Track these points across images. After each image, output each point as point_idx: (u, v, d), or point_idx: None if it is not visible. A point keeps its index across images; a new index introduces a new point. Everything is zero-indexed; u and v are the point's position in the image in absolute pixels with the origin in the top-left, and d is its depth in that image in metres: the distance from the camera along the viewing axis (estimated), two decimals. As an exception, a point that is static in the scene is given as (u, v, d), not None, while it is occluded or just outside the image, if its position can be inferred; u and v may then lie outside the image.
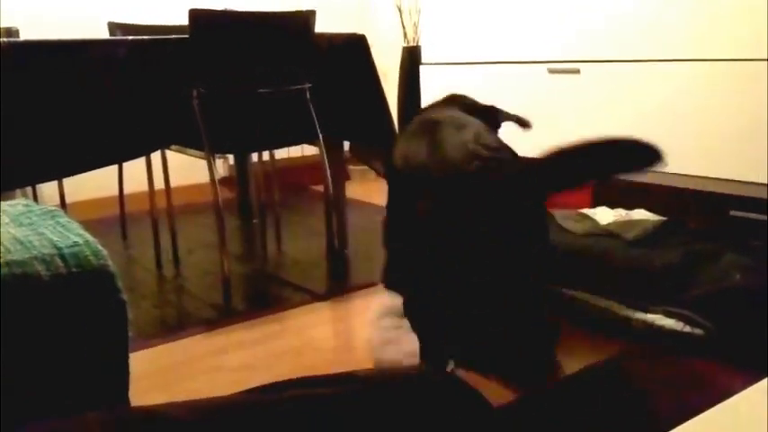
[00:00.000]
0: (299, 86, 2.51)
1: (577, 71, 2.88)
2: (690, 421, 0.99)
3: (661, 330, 1.79)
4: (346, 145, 2.91)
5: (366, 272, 2.53)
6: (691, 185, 2.48)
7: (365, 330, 2.04)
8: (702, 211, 2.37)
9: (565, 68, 2.92)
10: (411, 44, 3.92)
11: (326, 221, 2.78)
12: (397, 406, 0.85)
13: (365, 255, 2.75)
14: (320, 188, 2.79)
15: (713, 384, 1.57)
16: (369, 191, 3.82)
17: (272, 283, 2.51)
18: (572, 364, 1.71)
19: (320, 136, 2.53)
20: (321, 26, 2.56)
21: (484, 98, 3.28)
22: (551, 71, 2.97)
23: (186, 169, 3.12)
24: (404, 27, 3.96)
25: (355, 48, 2.67)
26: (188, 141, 2.42)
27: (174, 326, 2.11)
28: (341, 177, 2.81)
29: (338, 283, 2.47)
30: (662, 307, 1.80)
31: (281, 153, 3.55)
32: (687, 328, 1.75)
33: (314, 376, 0.92)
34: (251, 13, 2.40)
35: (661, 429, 1.27)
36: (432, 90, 3.54)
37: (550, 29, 2.96)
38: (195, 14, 2.26)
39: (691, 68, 2.53)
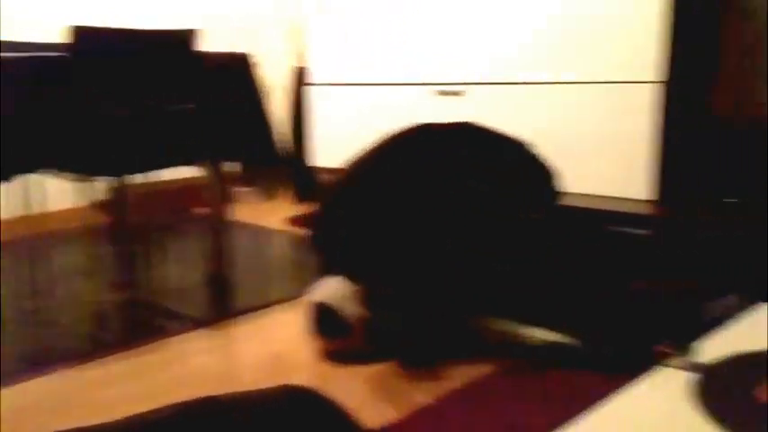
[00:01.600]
0: (182, 106, 2.41)
1: (462, 93, 2.93)
2: (567, 428, 0.99)
3: (536, 344, 1.81)
4: (231, 166, 2.82)
5: (251, 296, 2.45)
6: (570, 202, 2.55)
7: (250, 356, 1.97)
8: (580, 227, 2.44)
9: (451, 90, 2.96)
10: (299, 64, 3.89)
11: (210, 245, 2.68)
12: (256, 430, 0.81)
13: (250, 278, 2.66)
14: (204, 211, 2.69)
15: (587, 393, 1.60)
16: (255, 213, 3.73)
17: (150, 310, 2.39)
18: (452, 382, 1.71)
19: (204, 157, 2.44)
20: (209, 45, 2.49)
21: (372, 119, 3.30)
22: (439, 93, 3.01)
23: (62, 192, 2.94)
24: (291, 47, 3.93)
25: (239, 67, 2.60)
26: (63, 163, 2.28)
27: (42, 360, 1.96)
28: (225, 199, 2.72)
29: (220, 308, 2.37)
30: (536, 320, 1.83)
31: (161, 175, 3.42)
32: (562, 339, 1.78)
33: (172, 405, 0.86)
34: (132, 31, 2.30)
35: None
36: (321, 110, 3.52)
37: (438, 52, 3.01)
38: (76, 31, 2.14)
39: (572, 91, 2.62)
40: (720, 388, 1.05)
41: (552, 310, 1.85)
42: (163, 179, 3.68)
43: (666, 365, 1.14)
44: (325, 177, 3.45)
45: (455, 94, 2.94)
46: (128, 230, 3.25)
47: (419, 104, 3.07)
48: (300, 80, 3.76)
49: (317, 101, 3.52)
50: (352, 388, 1.75)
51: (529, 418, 1.53)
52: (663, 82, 2.41)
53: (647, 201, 2.43)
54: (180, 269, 2.83)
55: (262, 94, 2.65)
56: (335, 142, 3.43)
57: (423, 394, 1.67)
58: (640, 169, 2.44)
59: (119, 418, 0.86)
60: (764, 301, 1.44)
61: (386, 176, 1.97)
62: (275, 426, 0.82)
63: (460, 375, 1.76)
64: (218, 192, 2.59)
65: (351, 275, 1.96)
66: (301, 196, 3.95)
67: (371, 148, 2.07)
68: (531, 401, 1.61)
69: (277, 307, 2.34)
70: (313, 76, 3.52)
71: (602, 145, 2.53)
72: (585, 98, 2.57)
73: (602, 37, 2.54)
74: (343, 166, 2.06)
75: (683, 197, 2.50)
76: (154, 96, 2.36)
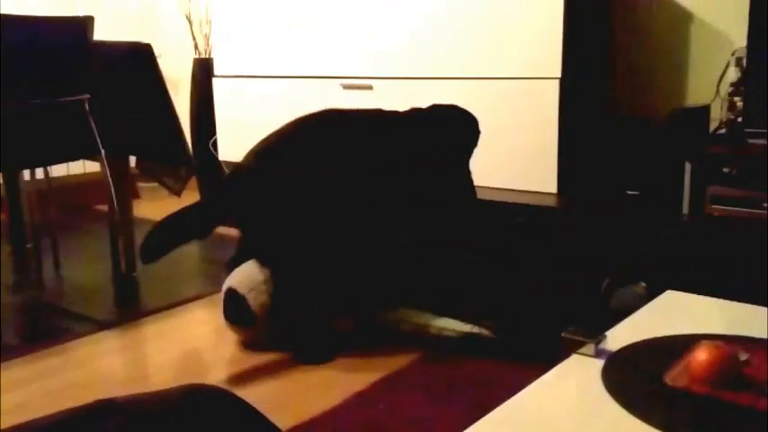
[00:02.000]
0: (77, 97, 2.31)
1: (370, 87, 2.94)
2: (482, 419, 1.02)
3: (453, 334, 1.85)
4: (134, 160, 2.73)
5: (158, 295, 2.38)
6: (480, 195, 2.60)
7: (160, 357, 1.91)
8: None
9: (358, 84, 2.96)
10: (203, 56, 3.79)
11: (111, 243, 2.58)
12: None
13: (156, 277, 2.58)
14: (105, 207, 2.58)
15: (502, 382, 1.65)
16: (160, 209, 3.62)
17: (50, 313, 2.28)
18: (369, 375, 1.73)
19: (102, 151, 2.34)
20: (106, 34, 2.39)
21: (278, 112, 3.26)
22: (345, 87, 3.01)
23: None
24: (194, 38, 3.82)
25: (140, 57, 2.51)
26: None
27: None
28: (128, 195, 2.62)
29: (127, 309, 2.29)
30: (452, 311, 1.87)
31: (58, 170, 3.26)
32: (476, 330, 1.83)
33: (66, 410, 0.82)
34: (20, 18, 2.17)
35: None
36: (225, 103, 3.45)
37: (345, 46, 3.00)
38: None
39: (479, 86, 2.68)
40: (630, 374, 1.10)
41: (464, 300, 1.89)
42: (64, 174, 3.51)
43: (577, 353, 1.18)
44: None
45: (364, 88, 2.95)
46: (25, 229, 3.08)
47: (327, 98, 3.05)
48: (204, 72, 3.67)
49: (222, 94, 3.45)
50: (267, 386, 1.73)
51: (442, 409, 1.56)
52: (559, 78, 2.50)
53: (556, 194, 2.52)
54: (84, 268, 2.71)
55: (165, 86, 2.57)
56: (241, 136, 3.37)
57: (336, 390, 1.67)
58: (548, 163, 2.53)
59: (17, 423, 0.82)
60: (670, 289, 1.52)
61: (289, 162, 1.94)
62: (176, 426, 0.80)
63: (375, 368, 1.78)
64: (121, 187, 2.50)
65: (260, 261, 1.94)
66: (206, 192, 3.85)
67: (281, 130, 2.05)
68: (444, 393, 1.64)
69: (188, 305, 2.29)
70: (218, 68, 3.44)
71: (511, 139, 2.59)
72: (494, 93, 2.63)
73: (508, 33, 2.61)
74: (253, 148, 2.02)
75: (584, 189, 2.60)
76: (47, 87, 2.25)
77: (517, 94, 2.57)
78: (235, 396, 0.90)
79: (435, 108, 2.17)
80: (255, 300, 1.89)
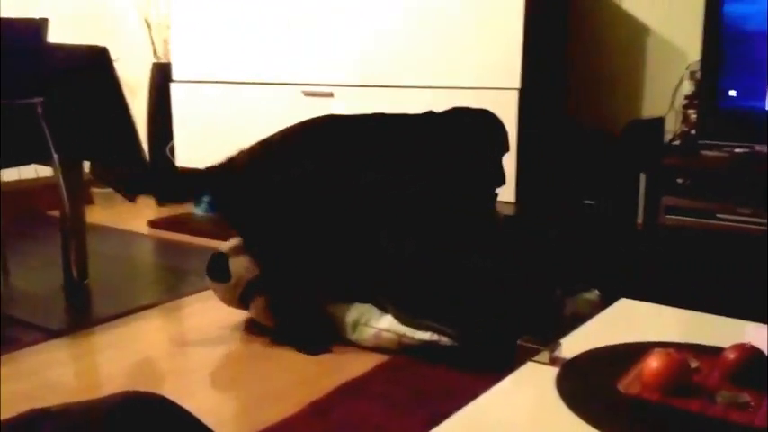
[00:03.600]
0: (29, 100, 2.25)
1: (331, 95, 2.93)
2: (437, 428, 1.01)
3: (412, 342, 1.85)
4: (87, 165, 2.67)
5: (111, 303, 2.32)
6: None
7: (111, 366, 1.87)
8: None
9: (319, 92, 2.96)
10: (161, 60, 3.74)
11: (63, 249, 2.52)
12: None
13: (110, 285, 2.53)
14: (58, 213, 2.52)
15: (460, 390, 1.65)
16: (114, 215, 3.55)
17: (0, 320, 2.21)
18: (326, 382, 1.71)
19: (54, 155, 2.29)
20: (61, 37, 2.34)
21: (238, 118, 3.23)
22: (306, 93, 3.00)
23: None
24: (153, 42, 3.77)
25: (96, 61, 2.47)
26: None
27: None
28: (81, 200, 2.56)
29: (78, 317, 2.24)
30: (413, 319, 1.86)
31: (9, 174, 3.18)
32: (435, 337, 1.82)
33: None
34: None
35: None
36: (183, 108, 3.40)
37: (306, 53, 2.99)
38: None
39: (440, 95, 2.69)
40: (584, 381, 1.10)
41: (424, 306, 1.89)
42: (14, 179, 3.42)
43: (532, 361, 1.19)
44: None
45: (325, 95, 2.94)
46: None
47: (288, 105, 3.03)
48: (162, 76, 3.62)
49: (180, 99, 3.40)
50: (221, 395, 1.70)
51: (401, 418, 1.55)
52: (519, 89, 2.53)
53: (514, 202, 2.54)
54: (33, 275, 2.64)
55: (121, 90, 2.53)
56: (199, 142, 3.33)
57: (291, 399, 1.65)
58: (507, 172, 2.55)
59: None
60: (625, 297, 1.54)
61: (284, 160, 2.00)
62: None
63: (332, 375, 1.76)
64: (74, 193, 2.44)
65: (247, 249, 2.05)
66: (163, 199, 3.79)
67: (284, 129, 2.08)
68: (403, 401, 1.63)
69: (142, 313, 2.24)
70: (176, 72, 3.40)
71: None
72: (455, 103, 2.63)
73: (469, 44, 2.62)
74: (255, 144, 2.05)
75: (542, 198, 2.62)
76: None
77: (477, 104, 2.59)
78: (172, 403, 0.88)
79: (455, 110, 2.17)
80: (236, 262, 2.04)
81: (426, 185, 2.02)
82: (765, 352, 1.10)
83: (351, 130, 2.07)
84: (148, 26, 3.78)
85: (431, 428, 1.00)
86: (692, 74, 2.54)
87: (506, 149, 2.16)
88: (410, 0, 2.72)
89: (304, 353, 1.91)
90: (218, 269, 2.08)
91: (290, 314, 2.00)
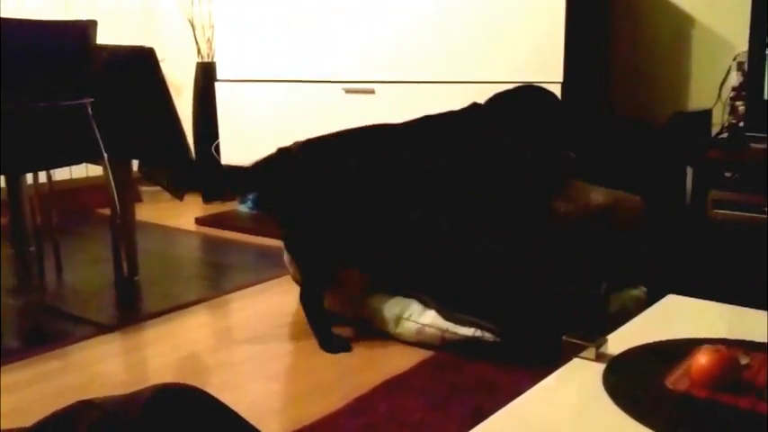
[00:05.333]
0: (79, 101, 2.31)
1: (372, 91, 2.94)
2: (481, 424, 1.01)
3: (455, 337, 1.85)
4: (136, 164, 2.73)
5: (160, 299, 2.37)
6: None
7: (159, 361, 1.91)
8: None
9: (360, 89, 2.97)
10: (205, 60, 3.80)
11: (113, 247, 2.58)
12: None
13: (158, 281, 2.58)
14: (107, 211, 2.58)
15: (503, 386, 1.64)
16: (161, 213, 3.62)
17: (51, 316, 2.28)
18: (370, 379, 1.73)
19: (104, 154, 2.35)
20: (108, 38, 2.39)
21: (281, 116, 3.26)
22: (347, 91, 3.01)
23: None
24: (197, 43, 3.83)
25: (143, 61, 2.52)
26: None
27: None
28: (130, 199, 2.62)
29: (128, 312, 2.29)
30: (454, 314, 1.87)
31: (61, 174, 3.27)
32: (478, 333, 1.82)
33: (50, 414, 0.83)
34: (23, 21, 2.18)
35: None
36: (227, 107, 3.45)
37: (347, 50, 3.01)
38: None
39: (481, 90, 2.68)
40: (631, 378, 1.09)
41: (466, 301, 1.89)
42: (67, 178, 3.51)
43: (578, 357, 1.18)
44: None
45: (366, 92, 2.95)
46: (26, 232, 3.08)
47: (329, 102, 3.05)
48: (206, 76, 3.68)
49: (224, 98, 3.45)
50: (265, 390, 1.73)
51: (444, 414, 1.55)
52: (561, 82, 2.51)
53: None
54: (85, 272, 2.71)
55: (167, 90, 2.57)
56: (243, 141, 3.38)
57: (335, 395, 1.67)
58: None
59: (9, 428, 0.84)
60: (672, 293, 1.52)
61: (334, 152, 2.03)
62: (146, 423, 0.81)
63: (375, 371, 1.77)
64: (123, 191, 2.50)
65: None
66: (209, 196, 3.86)
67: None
68: (445, 397, 1.63)
69: (189, 309, 2.28)
70: (220, 72, 3.45)
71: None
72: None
73: (510, 37, 2.61)
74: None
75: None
76: (50, 90, 2.25)
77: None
78: (208, 396, 0.90)
79: (513, 91, 2.18)
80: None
81: (475, 171, 2.02)
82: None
83: (399, 132, 2.09)
84: (193, 27, 3.84)
85: (474, 425, 1.00)
86: (740, 65, 2.48)
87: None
88: (451, -5, 2.72)
89: (323, 349, 1.93)
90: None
91: (318, 310, 2.01)
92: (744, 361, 1.09)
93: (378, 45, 2.91)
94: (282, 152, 2.03)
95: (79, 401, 0.85)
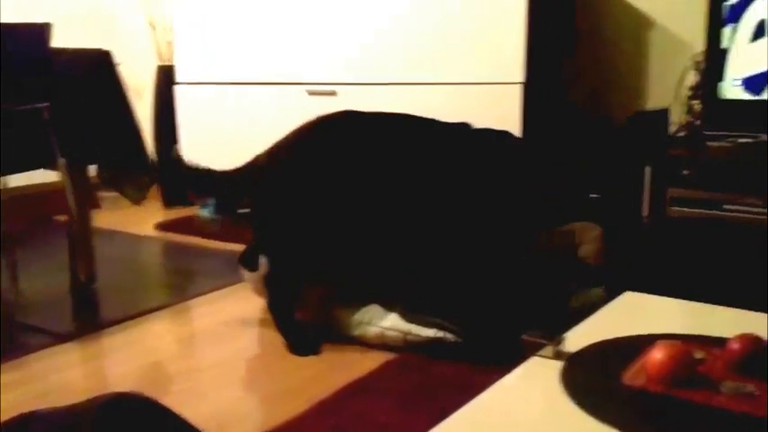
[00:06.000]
0: (35, 105, 2.27)
1: (334, 93, 2.94)
2: (442, 423, 1.01)
3: (417, 339, 1.85)
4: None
5: (120, 306, 2.33)
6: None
7: (121, 369, 1.88)
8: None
9: (322, 90, 2.96)
10: (165, 63, 3.75)
11: (70, 254, 2.53)
12: None
13: (118, 288, 2.54)
14: (65, 218, 2.54)
15: (468, 386, 1.64)
16: (122, 219, 3.56)
17: (6, 326, 2.23)
18: (334, 381, 1.72)
19: (60, 160, 2.30)
20: (64, 41, 2.34)
21: (242, 119, 3.23)
22: (310, 93, 3.00)
23: None
24: (157, 45, 3.78)
25: (100, 65, 2.48)
26: None
27: None
28: (87, 204, 2.58)
29: (87, 321, 2.25)
30: (416, 316, 1.87)
31: (17, 180, 3.20)
32: (441, 334, 1.82)
33: None
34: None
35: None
36: (188, 110, 3.41)
37: (309, 52, 2.99)
38: None
39: (443, 91, 2.69)
40: (588, 375, 1.10)
41: (430, 303, 1.89)
42: (21, 184, 3.44)
43: (537, 355, 1.19)
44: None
45: (328, 94, 2.94)
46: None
47: (292, 104, 3.04)
48: (166, 79, 3.63)
49: (184, 101, 3.41)
50: (228, 396, 1.71)
51: (410, 415, 1.55)
52: (522, 83, 2.53)
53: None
54: (42, 280, 2.66)
55: (125, 94, 2.54)
56: (204, 144, 3.34)
57: (300, 398, 1.65)
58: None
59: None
60: (630, 290, 1.53)
61: (302, 157, 2.01)
62: None
63: (340, 373, 1.76)
64: (80, 197, 2.45)
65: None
66: (170, 200, 3.81)
67: (300, 127, 2.08)
68: (412, 398, 1.63)
69: (150, 316, 2.25)
70: (180, 75, 3.41)
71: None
72: (459, 98, 2.64)
73: (472, 39, 2.62)
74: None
75: (546, 193, 2.61)
76: (3, 95, 2.20)
77: (481, 99, 2.59)
78: (159, 405, 0.89)
79: (487, 130, 2.15)
80: None
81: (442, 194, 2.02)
82: (770, 342, 1.10)
83: (374, 130, 2.07)
84: (152, 28, 3.79)
85: (438, 424, 1.00)
86: (697, 64, 2.53)
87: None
88: (412, -3, 2.72)
89: (293, 352, 1.92)
90: (250, 258, 2.12)
91: (288, 314, 2.00)
92: (698, 355, 1.11)
93: (340, 47, 2.90)
94: (265, 158, 2.01)
95: (23, 413, 0.83)
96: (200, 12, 3.27)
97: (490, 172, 2.06)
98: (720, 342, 1.14)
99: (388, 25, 2.78)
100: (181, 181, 2.51)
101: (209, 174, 2.10)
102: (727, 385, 1.03)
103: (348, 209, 1.97)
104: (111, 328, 2.15)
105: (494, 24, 2.56)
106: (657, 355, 1.05)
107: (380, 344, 1.90)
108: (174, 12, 3.39)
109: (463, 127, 2.12)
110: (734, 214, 2.14)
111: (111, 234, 3.26)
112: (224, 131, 3.24)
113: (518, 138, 2.34)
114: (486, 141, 2.11)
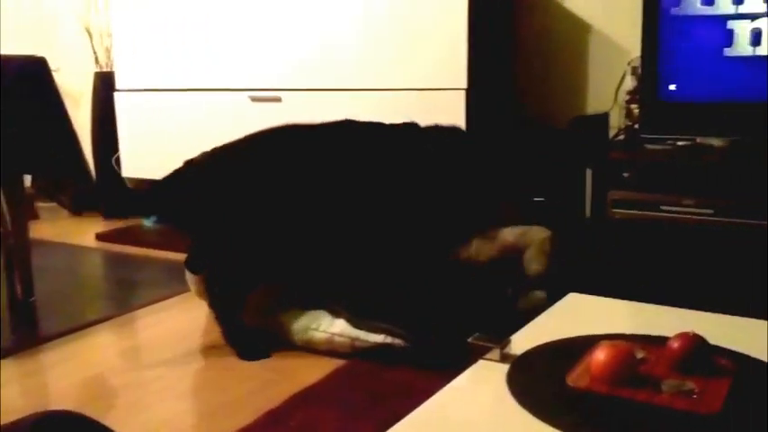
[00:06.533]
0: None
1: (279, 99, 2.91)
2: (390, 430, 1.01)
3: (365, 345, 1.84)
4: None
5: (61, 319, 2.26)
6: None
7: (62, 384, 1.82)
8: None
9: (266, 96, 2.93)
10: (104, 69, 3.67)
11: (6, 267, 2.44)
12: None
13: (59, 301, 2.47)
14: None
15: (417, 391, 1.65)
16: (61, 230, 3.47)
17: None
18: (281, 391, 1.70)
19: (-6, 170, 2.23)
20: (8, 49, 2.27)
21: (184, 126, 3.18)
22: (253, 99, 2.97)
23: None
24: (95, 51, 3.70)
25: (35, 71, 2.40)
26: None
27: None
28: (23, 215, 2.49)
29: (25, 335, 2.18)
30: (364, 322, 1.86)
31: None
32: (389, 340, 1.82)
33: None
34: None
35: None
36: (128, 117, 3.34)
37: (252, 58, 2.96)
38: None
39: (387, 97, 2.69)
40: (534, 377, 1.11)
41: (377, 308, 1.89)
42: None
43: (483, 359, 1.20)
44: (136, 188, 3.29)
45: (273, 100, 2.91)
46: None
47: (235, 111, 3.00)
48: (105, 86, 3.55)
49: (124, 108, 3.34)
50: (173, 408, 1.68)
51: (360, 423, 1.54)
52: (465, 89, 2.55)
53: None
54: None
55: (62, 101, 2.47)
56: (145, 152, 3.27)
57: (246, 409, 1.63)
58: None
59: None
60: (575, 291, 1.56)
61: (238, 165, 1.99)
62: None
63: (287, 383, 1.74)
64: (15, 208, 2.37)
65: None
66: (109, 211, 3.72)
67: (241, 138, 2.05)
68: (361, 406, 1.62)
69: (91, 329, 2.19)
70: (120, 81, 3.34)
71: (416, 149, 2.62)
72: (403, 104, 2.64)
73: (415, 46, 2.63)
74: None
75: (490, 196, 2.64)
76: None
77: (425, 105, 2.60)
78: (92, 421, 0.87)
79: (435, 128, 2.15)
80: None
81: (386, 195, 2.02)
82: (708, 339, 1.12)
83: (317, 135, 2.06)
84: (90, 35, 3.70)
85: (386, 431, 1.00)
86: (634, 69, 2.59)
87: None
88: (355, 3, 2.72)
89: (242, 358, 1.90)
90: (195, 261, 2.07)
91: (232, 319, 1.97)
92: (640, 355, 1.13)
93: (285, 53, 2.88)
94: (189, 165, 1.98)
95: None
96: (140, 17, 3.21)
97: (435, 173, 2.08)
98: (662, 341, 1.17)
99: (334, 31, 2.77)
100: (126, 208, 2.46)
101: (151, 193, 2.07)
102: (669, 383, 1.05)
103: (289, 213, 1.95)
104: (52, 343, 2.08)
105: (437, 31, 2.58)
106: (600, 355, 1.06)
107: (328, 350, 1.89)
108: (112, 17, 3.32)
109: (410, 127, 2.13)
110: (672, 215, 2.20)
111: (51, 246, 3.17)
112: (166, 139, 3.18)
113: (468, 133, 2.35)
114: (433, 139, 2.13)
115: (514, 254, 2.07)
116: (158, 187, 2.00)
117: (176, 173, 1.97)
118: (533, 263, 2.03)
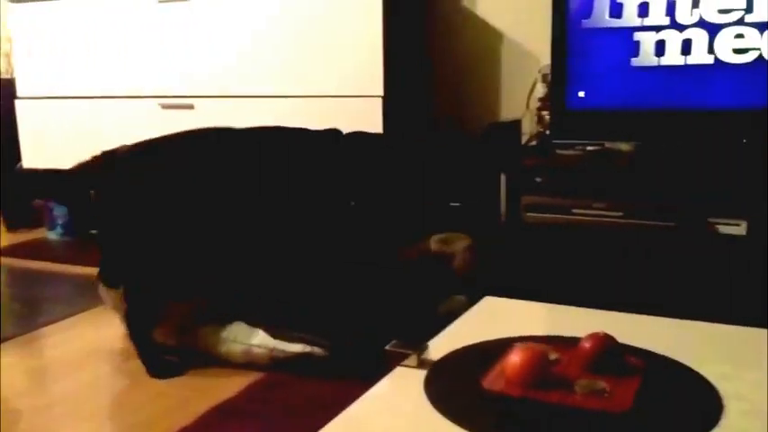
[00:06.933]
0: None
1: (192, 107, 2.85)
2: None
3: (283, 355, 1.81)
4: None
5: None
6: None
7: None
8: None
9: (178, 104, 2.86)
10: (4, 76, 3.50)
11: None
12: None
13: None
14: None
15: (336, 402, 1.63)
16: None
17: None
18: (196, 406, 1.65)
19: None
20: None
21: (91, 134, 3.07)
22: (164, 106, 2.89)
23: None
24: (-5, 57, 3.53)
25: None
26: None
27: None
28: None
29: None
30: (282, 332, 1.83)
31: None
32: (308, 349, 1.80)
33: None
34: None
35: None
36: (31, 126, 3.20)
37: (162, 64, 2.89)
38: None
39: (304, 104, 2.67)
40: (450, 382, 1.11)
41: (296, 318, 1.86)
42: None
43: (401, 365, 1.19)
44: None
45: (185, 107, 2.84)
46: None
47: (145, 118, 2.91)
48: (5, 93, 3.38)
49: (26, 117, 3.19)
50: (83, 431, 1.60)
51: (276, 434, 1.51)
52: (382, 96, 2.56)
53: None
54: None
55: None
56: (50, 162, 3.14)
57: (157, 428, 1.58)
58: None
59: None
60: (491, 295, 1.57)
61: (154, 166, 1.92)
62: None
63: (203, 397, 1.69)
64: None
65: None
66: (12, 223, 3.55)
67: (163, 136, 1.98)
68: (281, 420, 1.59)
69: (-9, 350, 2.07)
70: (21, 89, 3.19)
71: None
72: (320, 111, 2.62)
73: (331, 53, 2.62)
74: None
75: (408, 203, 2.65)
76: None
77: (342, 112, 2.59)
78: None
79: (356, 135, 2.12)
80: None
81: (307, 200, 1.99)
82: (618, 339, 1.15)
83: (240, 141, 2.01)
84: (-11, 40, 3.53)
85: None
86: (544, 76, 2.65)
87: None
88: (271, 9, 2.69)
89: (153, 376, 1.84)
90: (109, 274, 1.96)
91: (145, 334, 1.90)
92: (553, 356, 1.15)
93: (198, 59, 2.82)
94: (106, 155, 1.89)
95: None
96: (41, 21, 3.08)
97: (356, 179, 2.07)
98: (574, 342, 1.19)
99: (246, 37, 2.73)
100: (23, 189, 2.32)
101: (51, 176, 1.97)
102: (581, 384, 1.07)
103: (203, 223, 1.90)
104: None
105: (352, 38, 2.58)
106: (514, 358, 1.07)
107: (246, 362, 1.85)
108: (10, 21, 3.17)
109: (332, 134, 2.12)
110: (583, 218, 2.25)
111: (-53, 262, 3.00)
112: (71, 148, 3.05)
113: (389, 140, 2.35)
114: (354, 146, 2.12)
115: (435, 260, 2.08)
116: (75, 172, 1.90)
117: (94, 160, 1.89)
118: (458, 267, 2.05)
